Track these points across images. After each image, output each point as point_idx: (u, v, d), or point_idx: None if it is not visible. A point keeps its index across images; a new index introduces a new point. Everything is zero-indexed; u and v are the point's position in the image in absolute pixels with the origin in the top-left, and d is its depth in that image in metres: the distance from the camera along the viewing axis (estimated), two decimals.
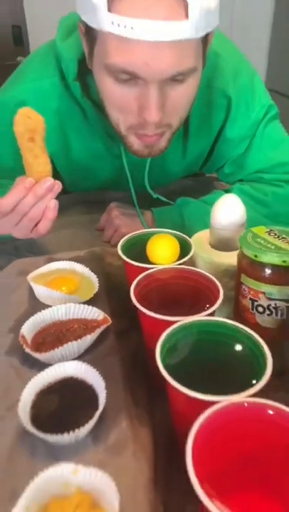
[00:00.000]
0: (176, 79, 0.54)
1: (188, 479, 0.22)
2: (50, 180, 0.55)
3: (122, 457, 0.31)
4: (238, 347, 0.35)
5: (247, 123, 0.74)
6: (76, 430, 0.31)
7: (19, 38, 2.68)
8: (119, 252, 0.49)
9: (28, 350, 0.39)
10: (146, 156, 0.64)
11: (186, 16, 0.48)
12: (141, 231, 0.54)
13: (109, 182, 0.81)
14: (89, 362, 0.37)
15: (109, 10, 0.49)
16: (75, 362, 0.37)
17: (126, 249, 0.49)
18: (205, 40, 0.56)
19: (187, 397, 0.29)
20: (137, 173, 0.75)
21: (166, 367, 0.31)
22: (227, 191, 0.76)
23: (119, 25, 0.48)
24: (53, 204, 0.56)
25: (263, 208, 0.73)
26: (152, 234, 0.52)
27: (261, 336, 0.35)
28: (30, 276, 0.50)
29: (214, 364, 0.35)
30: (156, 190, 0.79)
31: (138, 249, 0.50)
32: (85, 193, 0.85)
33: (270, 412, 0.27)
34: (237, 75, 0.72)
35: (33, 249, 0.70)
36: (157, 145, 0.61)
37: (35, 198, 0.54)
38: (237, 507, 0.23)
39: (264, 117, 0.75)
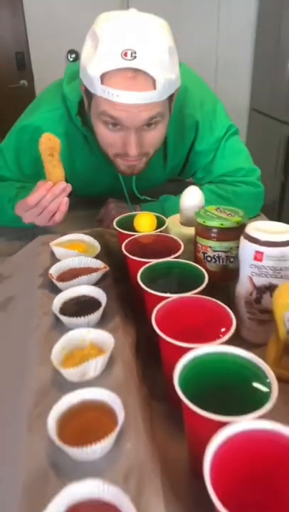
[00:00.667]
0: (150, 124, 0.78)
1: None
2: (63, 184, 0.77)
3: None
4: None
5: (211, 139, 0.97)
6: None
7: (22, 63, 2.93)
8: (114, 225, 0.71)
9: (54, 281, 0.60)
10: (130, 175, 0.88)
11: (154, 88, 0.72)
12: (131, 213, 0.76)
13: (107, 189, 1.03)
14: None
15: (102, 83, 0.72)
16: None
17: (119, 225, 0.71)
18: (170, 97, 0.79)
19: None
20: (128, 182, 0.98)
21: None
22: None
23: (108, 93, 0.72)
24: (65, 200, 0.78)
25: (225, 203, 0.95)
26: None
27: (211, 277, 0.56)
28: (52, 243, 0.71)
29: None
30: (145, 192, 1.02)
31: (128, 225, 0.72)
32: (86, 197, 1.08)
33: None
34: (202, 103, 0.96)
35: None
36: (137, 166, 0.85)
37: (53, 196, 0.77)
38: None
39: (225, 134, 0.98)
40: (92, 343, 0.49)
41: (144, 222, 0.69)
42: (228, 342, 0.43)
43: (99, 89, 0.73)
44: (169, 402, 0.48)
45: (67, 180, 0.79)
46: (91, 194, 1.06)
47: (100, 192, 1.05)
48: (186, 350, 0.42)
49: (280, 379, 0.53)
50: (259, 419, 0.35)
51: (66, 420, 0.39)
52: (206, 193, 0.96)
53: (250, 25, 2.72)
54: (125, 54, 0.69)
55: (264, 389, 0.38)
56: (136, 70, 0.70)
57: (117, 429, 0.38)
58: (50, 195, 0.77)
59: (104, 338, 0.49)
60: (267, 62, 2.66)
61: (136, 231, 0.69)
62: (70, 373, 0.45)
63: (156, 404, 0.47)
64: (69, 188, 0.78)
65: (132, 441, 0.39)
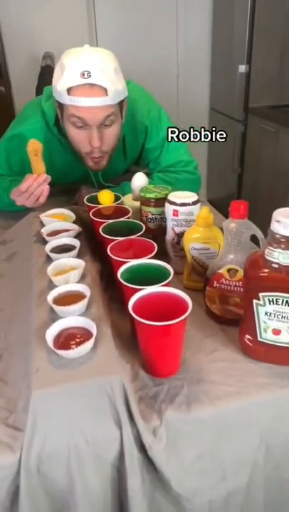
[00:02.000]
0: (106, 124, 1.10)
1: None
2: (45, 175, 1.09)
3: None
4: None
5: (158, 139, 1.30)
6: None
7: (0, 73, 3.21)
8: (84, 201, 1.03)
9: (45, 236, 0.92)
10: (96, 170, 1.22)
11: (106, 94, 1.05)
12: (96, 192, 1.08)
13: (79, 179, 1.35)
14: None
15: (68, 94, 1.05)
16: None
17: (88, 201, 1.03)
18: (120, 104, 1.12)
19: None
20: (96, 174, 1.30)
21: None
22: (151, 178, 1.31)
23: (74, 100, 1.05)
24: (46, 187, 1.10)
25: (170, 186, 1.28)
26: None
27: (150, 233, 0.89)
28: (41, 215, 1.03)
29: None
30: (110, 181, 1.34)
31: (94, 201, 1.03)
32: (64, 186, 1.39)
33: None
34: (149, 111, 1.29)
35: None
36: (101, 163, 1.19)
37: (38, 184, 1.09)
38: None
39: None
40: (70, 266, 0.81)
41: (106, 198, 1.01)
42: None
43: (67, 100, 1.05)
44: (119, 300, 0.81)
45: (47, 173, 1.11)
46: (67, 183, 1.38)
47: (74, 181, 1.37)
48: (127, 262, 0.75)
49: (189, 288, 0.86)
50: (161, 287, 0.68)
51: (58, 300, 0.71)
52: (156, 179, 1.29)
53: (206, 35, 3.07)
54: (83, 74, 1.02)
55: (167, 275, 0.71)
56: (92, 84, 1.03)
57: (86, 299, 0.70)
58: (36, 184, 1.09)
59: (79, 263, 0.81)
60: (222, 67, 3.01)
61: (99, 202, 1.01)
62: (57, 280, 0.77)
63: (112, 297, 0.80)
64: (49, 178, 1.11)
65: (94, 307, 0.71)
